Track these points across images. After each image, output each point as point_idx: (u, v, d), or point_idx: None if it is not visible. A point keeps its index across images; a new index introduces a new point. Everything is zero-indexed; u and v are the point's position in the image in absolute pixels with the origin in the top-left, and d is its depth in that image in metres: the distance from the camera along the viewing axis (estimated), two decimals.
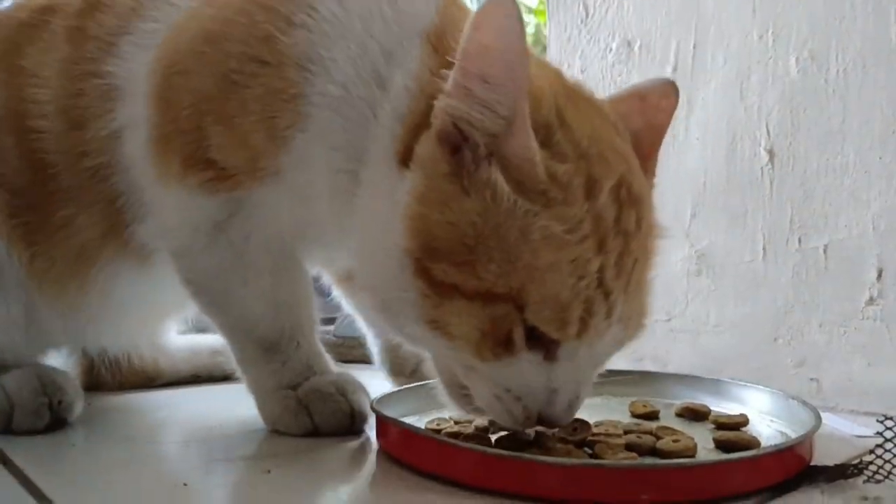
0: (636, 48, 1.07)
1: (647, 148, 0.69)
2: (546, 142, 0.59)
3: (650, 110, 0.70)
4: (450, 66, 0.60)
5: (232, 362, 0.79)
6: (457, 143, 0.60)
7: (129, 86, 0.75)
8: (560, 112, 0.61)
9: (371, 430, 0.74)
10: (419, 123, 0.62)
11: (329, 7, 0.68)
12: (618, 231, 0.61)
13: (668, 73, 1.03)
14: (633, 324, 0.64)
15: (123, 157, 0.76)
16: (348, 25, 0.67)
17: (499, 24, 0.56)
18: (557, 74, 0.68)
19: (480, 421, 0.74)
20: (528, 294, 0.58)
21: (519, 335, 0.59)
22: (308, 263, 0.79)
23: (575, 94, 0.66)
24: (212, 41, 0.70)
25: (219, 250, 0.73)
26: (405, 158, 0.62)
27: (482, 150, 0.59)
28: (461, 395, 0.66)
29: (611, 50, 1.10)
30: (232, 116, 0.69)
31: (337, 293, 0.94)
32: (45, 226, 0.80)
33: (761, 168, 0.95)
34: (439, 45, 0.65)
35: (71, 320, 0.85)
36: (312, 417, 0.74)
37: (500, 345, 0.60)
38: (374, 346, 0.96)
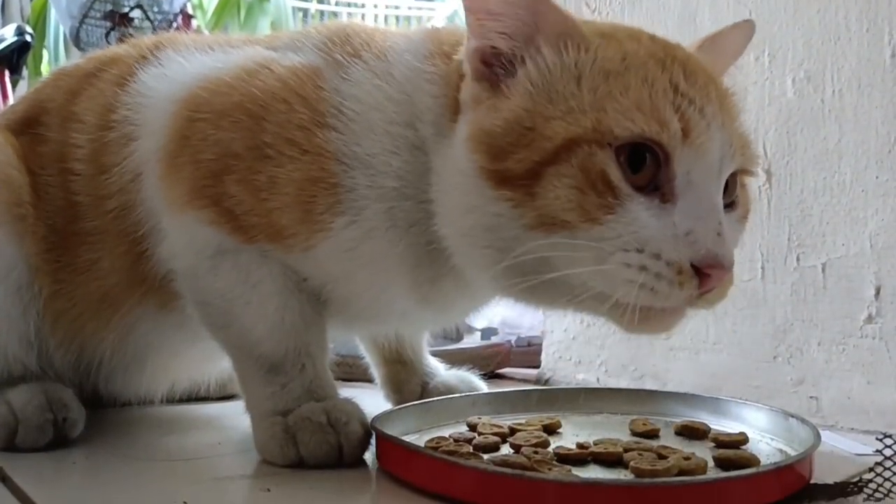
0: None
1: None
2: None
3: (719, 45, 0.73)
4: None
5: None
6: (488, 72, 0.65)
7: (150, 118, 0.76)
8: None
9: (371, 449, 0.74)
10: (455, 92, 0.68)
11: (350, 107, 0.70)
12: (674, 58, 0.63)
13: None
14: (740, 143, 0.64)
15: (145, 189, 0.76)
16: (370, 118, 0.70)
17: None
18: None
19: (481, 439, 0.74)
20: (605, 119, 0.59)
21: (614, 173, 0.59)
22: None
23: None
24: (249, 115, 0.71)
25: (224, 272, 0.73)
26: (454, 114, 0.67)
27: (519, 53, 0.64)
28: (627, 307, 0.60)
29: None
30: (258, 189, 0.70)
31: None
32: (71, 267, 0.81)
33: (759, 187, 0.95)
34: (448, 50, 0.70)
35: (83, 361, 0.85)
36: (298, 448, 0.70)
37: (602, 194, 0.58)
38: (375, 368, 0.96)
